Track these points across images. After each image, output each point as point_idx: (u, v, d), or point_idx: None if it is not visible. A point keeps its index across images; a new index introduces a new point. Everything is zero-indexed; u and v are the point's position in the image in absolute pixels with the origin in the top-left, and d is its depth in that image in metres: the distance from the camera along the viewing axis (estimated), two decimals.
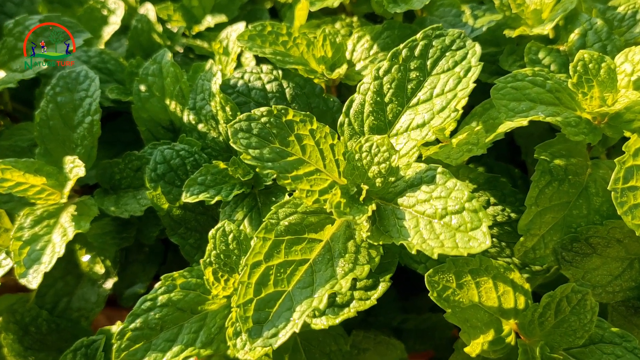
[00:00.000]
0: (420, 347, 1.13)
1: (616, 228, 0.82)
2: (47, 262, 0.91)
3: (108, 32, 1.26)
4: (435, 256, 0.63)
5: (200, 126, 1.01)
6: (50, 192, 0.99)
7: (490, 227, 0.74)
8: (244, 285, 0.68)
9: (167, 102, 1.09)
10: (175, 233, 0.98)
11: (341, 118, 0.79)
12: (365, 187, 0.71)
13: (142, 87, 1.10)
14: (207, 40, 1.25)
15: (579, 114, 0.83)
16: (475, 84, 0.74)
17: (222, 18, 1.25)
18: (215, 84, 0.98)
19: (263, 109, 0.71)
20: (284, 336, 0.65)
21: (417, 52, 0.78)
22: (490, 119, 0.88)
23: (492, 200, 0.91)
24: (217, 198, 0.89)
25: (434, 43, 0.78)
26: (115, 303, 1.18)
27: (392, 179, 0.71)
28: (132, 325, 0.82)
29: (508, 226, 0.90)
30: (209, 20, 1.26)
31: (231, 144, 0.69)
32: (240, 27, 1.16)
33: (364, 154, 0.71)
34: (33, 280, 0.90)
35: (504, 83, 0.82)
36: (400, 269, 0.86)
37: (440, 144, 0.87)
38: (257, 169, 0.90)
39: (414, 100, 0.78)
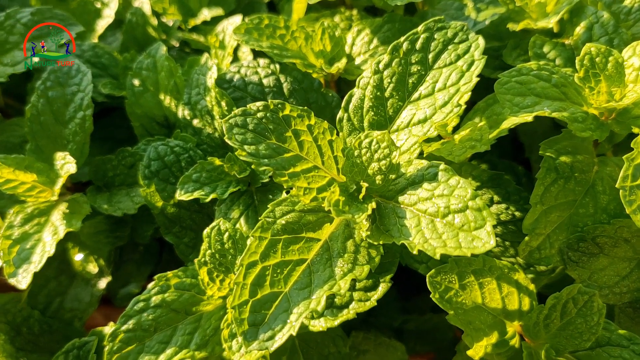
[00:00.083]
0: (422, 348, 1.12)
1: (624, 227, 0.81)
2: (37, 261, 0.89)
3: (102, 25, 1.24)
4: (437, 256, 0.62)
5: (196, 122, 0.99)
6: (41, 190, 0.97)
7: (494, 226, 0.72)
8: (239, 286, 0.66)
9: (162, 97, 1.07)
10: (170, 232, 0.97)
11: (340, 113, 0.77)
12: (364, 185, 0.70)
13: (136, 82, 1.08)
14: (204, 34, 1.23)
15: (586, 110, 0.81)
16: (478, 78, 0.73)
17: (218, 11, 1.23)
18: (211, 79, 0.96)
19: (259, 103, 0.70)
20: (280, 339, 0.64)
21: (418, 45, 0.77)
22: (494, 114, 0.87)
23: (496, 198, 0.89)
24: (212, 196, 0.87)
25: (435, 36, 0.76)
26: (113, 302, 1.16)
27: (393, 176, 0.70)
28: (124, 327, 0.81)
29: (512, 225, 0.88)
30: (205, 14, 1.23)
31: (226, 140, 0.68)
32: (236, 20, 1.14)
33: (363, 151, 0.70)
34: (23, 280, 0.88)
35: (509, 77, 0.80)
36: (401, 268, 0.85)
37: (443, 140, 0.85)
38: (253, 166, 0.88)
39: (415, 95, 0.76)
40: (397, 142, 0.75)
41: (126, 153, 1.03)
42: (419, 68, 0.76)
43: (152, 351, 0.80)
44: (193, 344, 0.80)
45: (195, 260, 0.81)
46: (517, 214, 0.88)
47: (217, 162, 0.91)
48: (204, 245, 0.80)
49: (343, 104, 0.77)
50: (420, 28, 0.76)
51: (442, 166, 0.67)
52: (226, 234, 0.80)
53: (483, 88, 0.85)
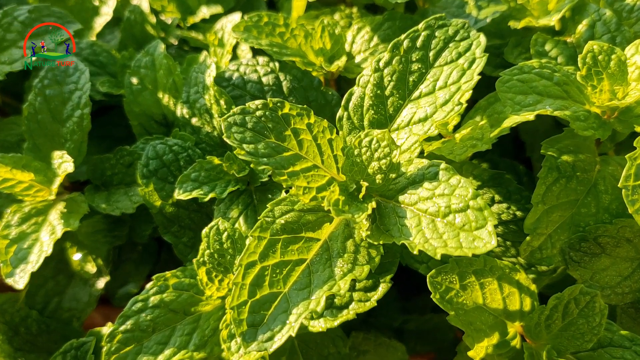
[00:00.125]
0: (422, 349, 1.11)
1: (626, 227, 0.80)
2: (35, 261, 0.89)
3: (100, 23, 1.23)
4: (438, 257, 0.61)
5: (194, 120, 0.98)
6: (39, 189, 0.97)
7: (495, 226, 0.72)
8: (237, 286, 0.66)
9: (160, 95, 1.06)
10: (168, 231, 0.96)
11: (340, 112, 0.77)
12: (364, 184, 0.69)
13: (134, 80, 1.07)
14: (202, 32, 1.22)
15: (588, 108, 0.81)
16: (479, 76, 0.72)
17: (217, 9, 1.22)
18: (210, 77, 0.96)
19: (258, 102, 0.69)
20: (279, 340, 0.64)
21: (419, 43, 0.76)
22: (495, 113, 0.86)
23: (497, 197, 0.88)
24: (211, 195, 0.86)
25: (436, 34, 0.76)
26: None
27: (393, 175, 0.69)
28: (122, 327, 0.80)
29: (513, 225, 0.87)
30: (204, 11, 1.22)
31: (225, 139, 0.67)
32: (235, 17, 1.13)
33: (363, 149, 0.69)
34: (20, 280, 0.88)
35: (510, 75, 0.79)
36: (401, 268, 0.84)
37: (443, 139, 0.85)
38: (252, 165, 0.88)
39: (416, 93, 0.75)
40: (397, 141, 0.74)
41: (124, 152, 1.02)
42: (419, 66, 0.75)
43: (151, 352, 0.79)
44: (192, 344, 0.80)
45: (194, 260, 0.80)
46: (519, 213, 0.87)
47: (216, 161, 0.91)
48: (203, 245, 0.79)
49: (343, 103, 0.77)
50: (421, 26, 0.76)
51: (443, 165, 0.66)
52: (225, 234, 0.79)
53: (484, 86, 0.84)
